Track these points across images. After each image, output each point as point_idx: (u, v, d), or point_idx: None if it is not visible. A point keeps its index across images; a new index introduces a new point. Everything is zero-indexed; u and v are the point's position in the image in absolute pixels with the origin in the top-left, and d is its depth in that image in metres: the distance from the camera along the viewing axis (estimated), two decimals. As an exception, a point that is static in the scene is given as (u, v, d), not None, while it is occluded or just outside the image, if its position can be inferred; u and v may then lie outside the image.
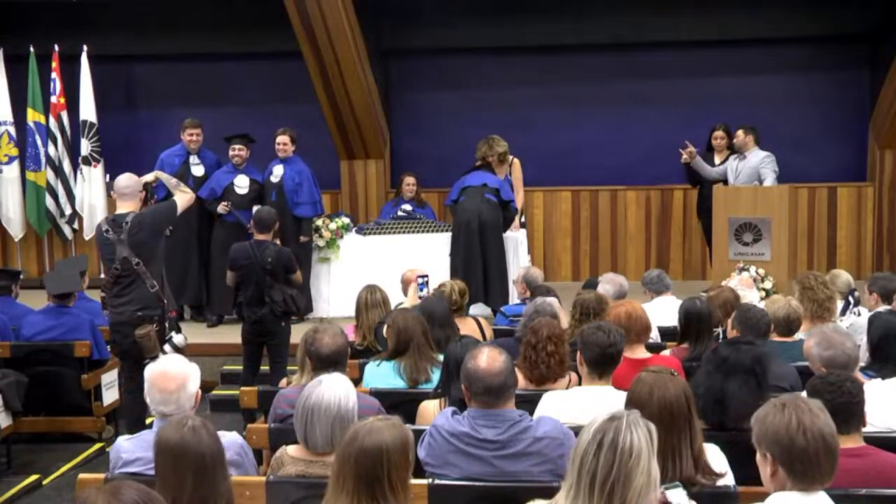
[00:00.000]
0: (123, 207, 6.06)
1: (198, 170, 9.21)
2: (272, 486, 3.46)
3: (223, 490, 2.98)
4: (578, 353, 4.21)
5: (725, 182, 9.40)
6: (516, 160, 9.51)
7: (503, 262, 8.89)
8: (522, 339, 4.67)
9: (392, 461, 2.81)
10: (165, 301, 6.09)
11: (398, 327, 4.98)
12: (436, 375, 4.83)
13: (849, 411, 3.33)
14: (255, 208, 8.31)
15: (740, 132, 9.17)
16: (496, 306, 8.31)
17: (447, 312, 5.55)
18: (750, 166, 9.06)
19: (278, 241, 7.27)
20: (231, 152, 9.12)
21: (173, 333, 6.14)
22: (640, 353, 4.80)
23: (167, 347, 6.00)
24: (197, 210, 8.69)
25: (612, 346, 4.13)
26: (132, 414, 6.02)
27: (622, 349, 4.25)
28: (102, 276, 6.24)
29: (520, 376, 4.36)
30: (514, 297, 8.24)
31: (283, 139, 9.09)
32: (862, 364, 4.72)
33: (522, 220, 9.76)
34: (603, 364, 4.13)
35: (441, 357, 4.89)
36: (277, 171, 9.13)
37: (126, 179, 6.11)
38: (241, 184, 9.08)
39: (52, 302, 6.99)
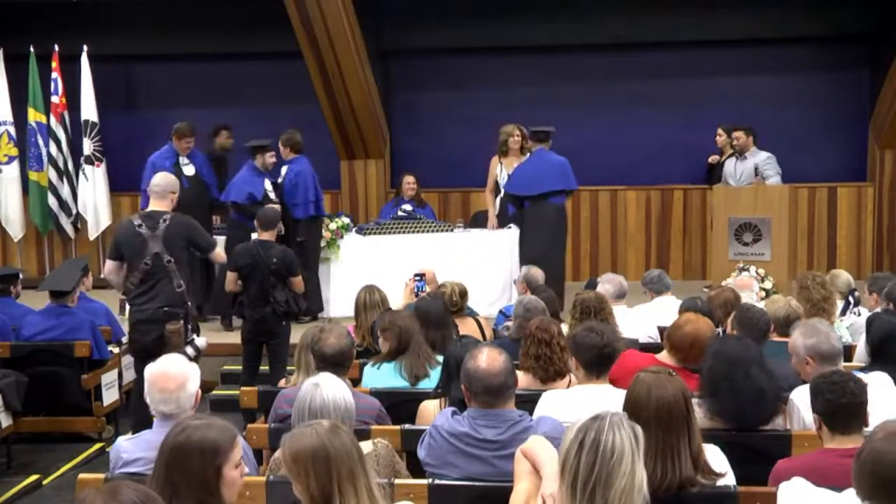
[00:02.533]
0: (155, 205, 6.16)
1: (189, 169, 9.25)
2: (272, 486, 3.46)
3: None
4: (573, 356, 4.20)
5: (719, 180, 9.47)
6: None
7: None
8: (531, 339, 4.64)
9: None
10: (190, 303, 6.16)
11: (399, 328, 4.99)
12: (434, 373, 4.84)
13: (851, 411, 3.33)
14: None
15: (741, 133, 9.17)
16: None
17: (443, 313, 5.55)
18: (751, 167, 9.07)
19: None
20: (269, 159, 9.03)
21: (195, 335, 6.20)
22: (673, 362, 4.62)
23: (189, 349, 6.08)
24: (201, 213, 8.71)
25: (606, 346, 4.12)
26: (139, 414, 6.01)
27: (617, 347, 4.24)
28: (103, 275, 6.29)
29: (521, 376, 4.37)
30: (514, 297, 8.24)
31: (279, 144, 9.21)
32: (862, 364, 4.72)
33: None
34: (600, 364, 4.13)
35: (439, 356, 4.91)
36: (283, 172, 9.19)
37: (161, 178, 6.27)
38: (268, 187, 9.08)
39: (52, 302, 6.99)
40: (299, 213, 9.06)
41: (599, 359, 4.11)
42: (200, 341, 6.27)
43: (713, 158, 10.01)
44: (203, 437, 2.91)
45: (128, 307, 6.34)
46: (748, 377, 3.78)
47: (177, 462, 2.88)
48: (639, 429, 2.57)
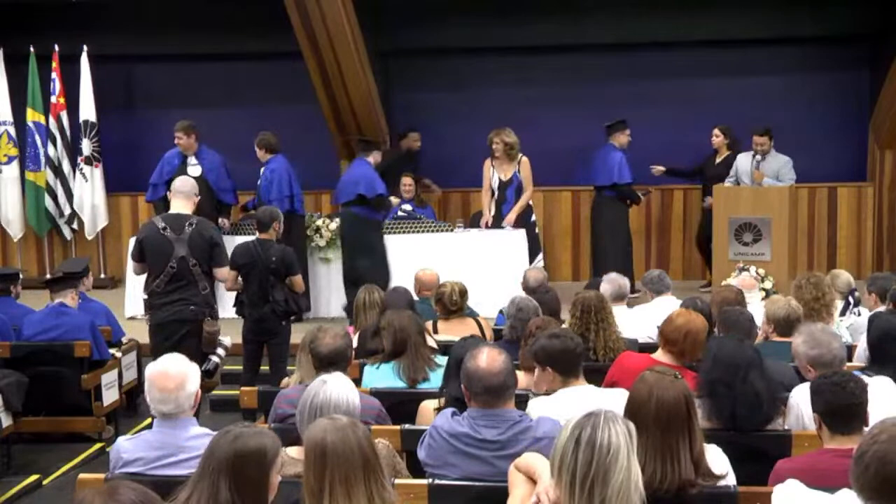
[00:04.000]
0: (178, 207, 6.24)
1: (194, 170, 9.22)
2: (272, 486, 3.46)
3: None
4: (546, 367, 4.19)
5: (720, 179, 9.46)
6: (525, 158, 9.52)
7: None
8: (531, 338, 4.66)
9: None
10: (215, 306, 6.28)
11: (394, 328, 4.98)
12: (434, 375, 4.84)
13: (851, 412, 3.33)
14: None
15: (766, 139, 9.17)
16: None
17: (406, 306, 5.54)
18: (772, 169, 9.09)
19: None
20: (379, 157, 9.36)
21: (221, 337, 6.31)
22: (669, 360, 4.60)
23: (220, 350, 6.17)
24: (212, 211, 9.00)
25: (578, 346, 4.17)
26: None
27: (584, 345, 4.34)
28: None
29: (521, 376, 4.37)
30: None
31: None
32: (862, 364, 4.72)
33: (532, 218, 9.74)
34: (577, 366, 4.15)
35: (440, 358, 4.92)
36: (261, 173, 9.22)
37: (182, 179, 6.52)
38: None
39: (53, 298, 6.98)
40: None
41: (576, 359, 4.13)
42: (227, 340, 6.47)
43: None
44: (260, 444, 2.91)
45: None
46: (745, 382, 3.78)
47: (236, 469, 2.86)
48: (631, 425, 2.57)
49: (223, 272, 6.37)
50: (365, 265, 8.79)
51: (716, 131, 9.97)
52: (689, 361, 4.45)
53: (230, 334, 6.99)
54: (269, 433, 3.03)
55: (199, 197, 6.44)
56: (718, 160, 9.93)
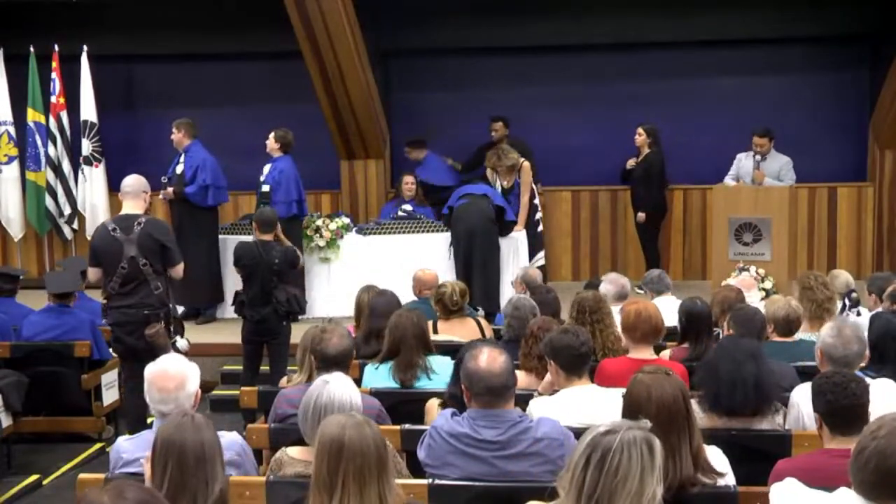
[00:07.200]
0: (128, 207, 6.14)
1: (178, 168, 9.17)
2: (272, 487, 3.46)
3: (211, 487, 2.96)
4: (551, 360, 4.20)
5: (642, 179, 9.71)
6: (526, 164, 9.49)
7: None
8: (533, 339, 4.70)
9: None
10: (170, 305, 6.16)
11: (390, 326, 4.99)
12: (423, 380, 4.84)
13: (852, 413, 3.32)
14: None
15: (766, 140, 9.17)
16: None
17: (392, 308, 5.53)
18: (772, 169, 9.10)
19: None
20: None
21: (178, 337, 6.19)
22: (645, 353, 4.73)
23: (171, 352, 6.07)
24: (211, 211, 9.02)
25: (583, 345, 4.17)
26: (134, 413, 6.03)
27: (591, 346, 4.34)
28: (91, 281, 6.35)
29: (522, 376, 4.37)
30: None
31: (269, 138, 9.17)
32: (863, 365, 4.72)
33: (536, 217, 9.72)
34: (579, 365, 4.16)
35: (439, 358, 4.93)
36: (265, 170, 9.19)
37: (130, 179, 6.24)
38: None
39: (52, 302, 6.99)
40: (280, 211, 9.00)
41: (578, 359, 4.14)
42: (182, 343, 6.23)
43: (630, 163, 10.07)
44: (209, 439, 2.97)
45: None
46: (717, 367, 3.87)
47: (194, 466, 2.94)
48: (656, 443, 2.48)
49: (178, 270, 6.25)
50: (489, 259, 8.85)
51: (639, 130, 9.96)
52: (655, 340, 4.78)
53: (226, 334, 6.99)
54: (205, 421, 3.08)
55: (147, 193, 6.27)
56: (639, 159, 9.96)
